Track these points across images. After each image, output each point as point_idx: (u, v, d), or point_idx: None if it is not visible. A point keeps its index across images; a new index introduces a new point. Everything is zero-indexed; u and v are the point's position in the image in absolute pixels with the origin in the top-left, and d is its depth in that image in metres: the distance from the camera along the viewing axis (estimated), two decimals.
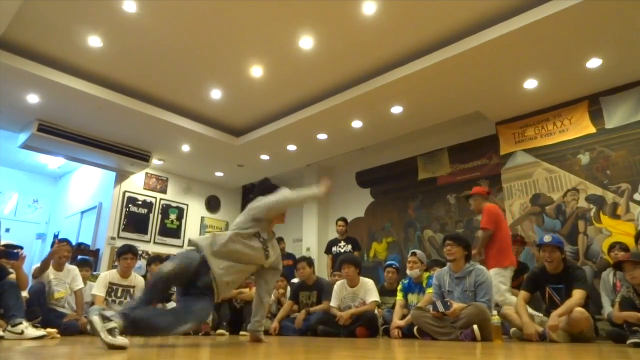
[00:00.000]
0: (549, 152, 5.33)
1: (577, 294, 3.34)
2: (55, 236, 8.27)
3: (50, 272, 4.22)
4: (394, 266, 5.11)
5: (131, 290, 4.52)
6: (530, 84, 4.93)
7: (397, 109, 5.61)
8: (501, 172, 5.72)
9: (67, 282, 4.32)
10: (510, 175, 5.61)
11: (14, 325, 3.14)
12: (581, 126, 5.13)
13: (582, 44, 4.22)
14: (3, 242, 3.93)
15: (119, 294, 4.43)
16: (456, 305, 3.52)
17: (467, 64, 4.57)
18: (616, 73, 4.70)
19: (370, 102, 5.44)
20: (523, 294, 3.64)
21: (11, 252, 3.35)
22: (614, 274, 4.04)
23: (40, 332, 3.20)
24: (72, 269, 4.43)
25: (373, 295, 4.39)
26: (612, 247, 4.24)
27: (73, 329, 4.00)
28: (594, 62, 4.50)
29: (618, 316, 3.12)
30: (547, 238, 3.60)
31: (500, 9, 4.05)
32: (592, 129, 5.04)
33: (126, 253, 4.47)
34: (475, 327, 3.32)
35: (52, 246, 4.40)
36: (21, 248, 3.68)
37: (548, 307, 3.59)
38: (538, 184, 5.34)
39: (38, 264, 4.22)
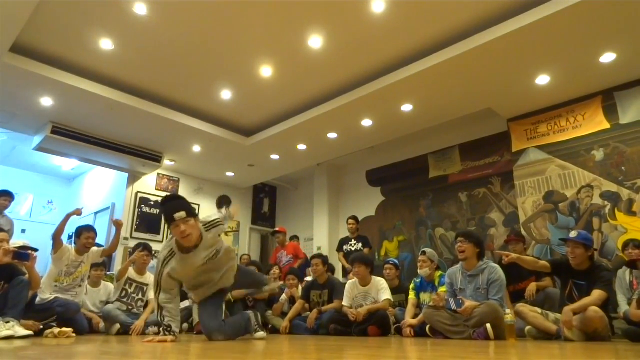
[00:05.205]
0: (562, 148, 5.26)
1: (596, 294, 3.27)
2: (70, 237, 8.37)
3: (66, 259, 4.20)
4: (391, 262, 5.09)
5: (144, 288, 4.63)
6: (543, 80, 4.87)
7: (407, 107, 5.58)
8: (513, 169, 5.66)
9: (84, 262, 4.31)
10: (523, 172, 5.55)
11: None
12: (595, 122, 5.06)
13: (595, 38, 4.16)
14: (20, 242, 3.99)
15: (132, 289, 4.60)
16: (468, 303, 3.49)
17: (478, 61, 4.53)
18: (631, 67, 4.62)
19: (380, 101, 5.42)
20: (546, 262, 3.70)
21: (22, 254, 3.39)
22: (630, 272, 3.98)
23: (23, 332, 3.12)
24: (94, 250, 4.42)
25: (385, 294, 4.37)
26: (626, 245, 4.18)
27: (82, 327, 4.04)
28: (607, 57, 4.44)
29: (635, 314, 3.07)
30: (573, 234, 3.54)
31: (512, 5, 4.00)
32: (607, 125, 4.97)
33: (142, 250, 4.69)
34: (488, 325, 3.28)
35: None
36: (36, 250, 3.72)
37: (565, 300, 3.53)
38: (551, 180, 5.27)
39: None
